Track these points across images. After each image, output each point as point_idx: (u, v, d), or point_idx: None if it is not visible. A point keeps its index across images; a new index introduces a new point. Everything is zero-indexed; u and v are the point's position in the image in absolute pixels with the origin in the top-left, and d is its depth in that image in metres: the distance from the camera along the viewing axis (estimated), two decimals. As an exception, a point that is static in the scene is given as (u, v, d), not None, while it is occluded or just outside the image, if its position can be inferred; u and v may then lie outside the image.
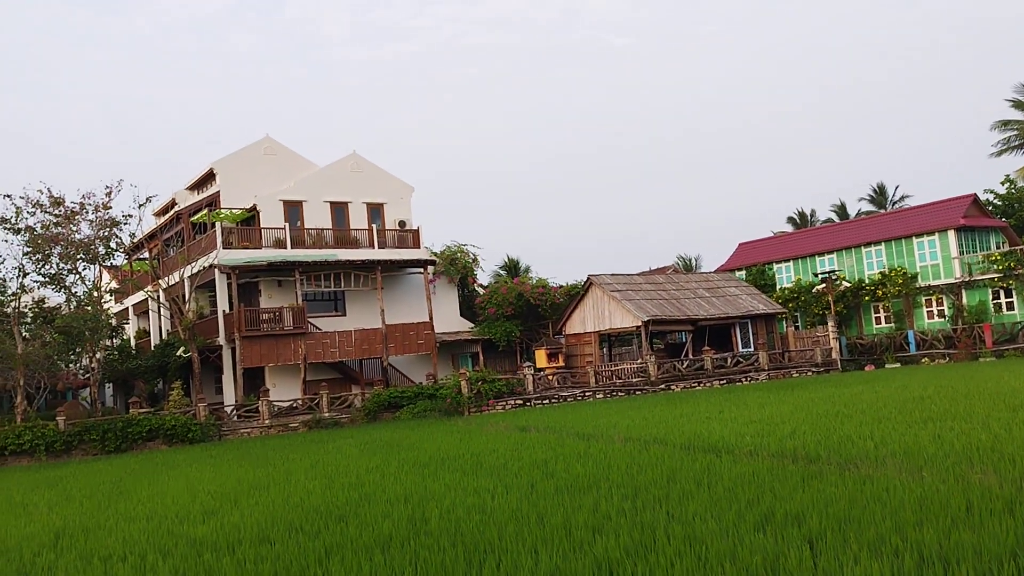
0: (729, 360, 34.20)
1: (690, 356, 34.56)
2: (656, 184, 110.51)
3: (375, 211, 36.81)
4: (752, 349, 35.97)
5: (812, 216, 63.11)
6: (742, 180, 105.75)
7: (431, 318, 34.66)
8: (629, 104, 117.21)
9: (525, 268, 49.28)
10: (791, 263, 43.83)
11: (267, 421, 28.32)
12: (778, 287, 43.52)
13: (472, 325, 38.90)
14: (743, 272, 44.85)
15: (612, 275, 36.95)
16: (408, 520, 8.95)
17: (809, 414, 16.53)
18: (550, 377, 32.45)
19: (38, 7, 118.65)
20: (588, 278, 36.55)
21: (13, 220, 29.38)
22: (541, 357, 36.05)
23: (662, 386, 31.83)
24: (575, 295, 38.02)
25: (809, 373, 34.71)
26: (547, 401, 30.11)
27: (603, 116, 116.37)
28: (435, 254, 38.26)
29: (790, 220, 64.34)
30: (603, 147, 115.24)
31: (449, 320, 37.97)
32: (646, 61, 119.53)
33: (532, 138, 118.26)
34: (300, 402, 29.87)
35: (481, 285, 42.33)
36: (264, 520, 9.78)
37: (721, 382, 32.73)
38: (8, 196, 29.61)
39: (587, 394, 31.00)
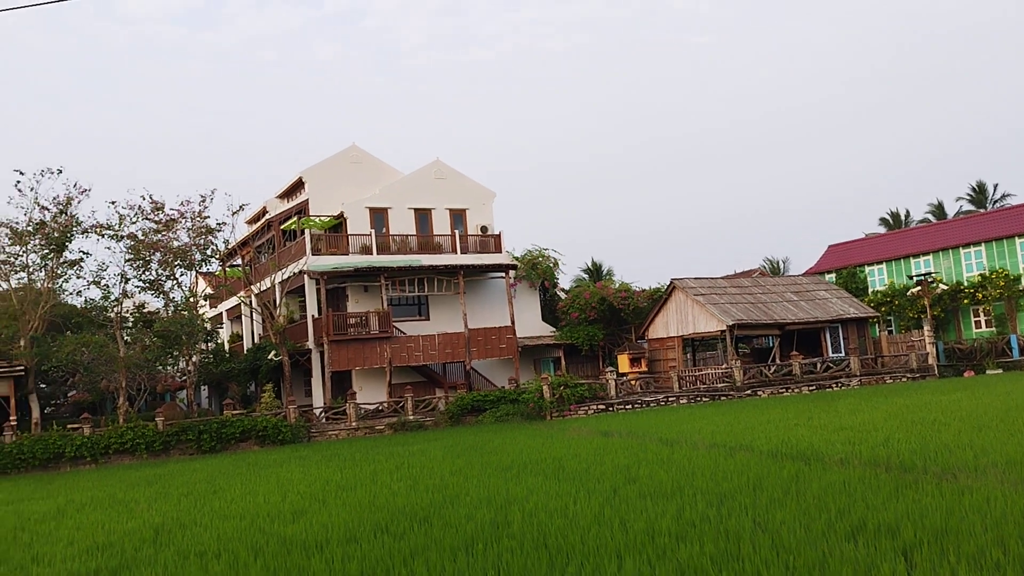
0: (819, 365, 33.24)
1: (777, 361, 33.74)
2: (742, 187, 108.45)
3: (458, 217, 37.24)
4: (843, 354, 34.88)
5: (907, 217, 60.85)
6: (831, 181, 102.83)
7: (513, 322, 34.82)
8: (712, 105, 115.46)
9: (607, 272, 49.05)
10: (884, 265, 42.34)
11: (354, 423, 28.91)
12: (870, 290, 42.10)
13: (554, 329, 38.89)
14: (833, 275, 43.56)
15: (695, 279, 36.40)
16: (491, 523, 9.00)
17: (904, 421, 15.94)
18: (633, 382, 32.14)
19: (137, 24, 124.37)
20: (671, 282, 36.10)
21: (117, 227, 30.83)
22: (624, 362, 35.77)
23: (748, 392, 31.17)
24: (658, 299, 37.61)
25: (904, 379, 33.43)
26: (630, 406, 29.86)
27: (684, 118, 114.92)
28: (516, 259, 38.44)
29: (883, 221, 62.18)
30: (687, 151, 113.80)
31: (531, 324, 38.07)
32: (727, 59, 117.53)
33: (614, 141, 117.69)
34: (386, 405, 30.38)
35: (563, 289, 42.29)
36: (351, 520, 9.99)
37: (810, 388, 31.84)
38: (112, 203, 31.11)
39: (670, 399, 30.60)
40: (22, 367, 27.79)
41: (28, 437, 25.55)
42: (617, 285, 39.93)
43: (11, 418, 26.80)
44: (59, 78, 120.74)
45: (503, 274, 35.99)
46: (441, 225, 36.72)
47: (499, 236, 37.47)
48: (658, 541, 7.44)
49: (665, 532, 7.77)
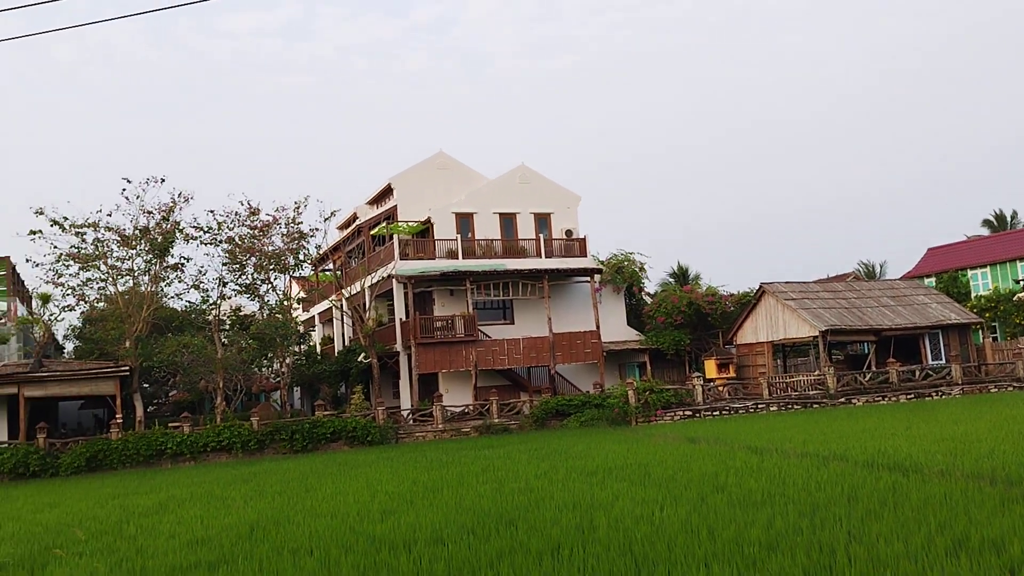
0: (917, 373, 31.93)
1: (873, 368, 32.57)
2: (834, 188, 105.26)
3: (542, 221, 37.31)
4: (944, 361, 33.42)
5: (1012, 218, 57.86)
6: (929, 181, 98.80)
7: (598, 327, 34.65)
8: (803, 109, 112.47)
9: (695, 276, 48.28)
10: (988, 269, 40.44)
11: (440, 425, 29.26)
12: (973, 295, 40.25)
13: (639, 334, 38.54)
14: (932, 279, 41.83)
15: (786, 283, 35.51)
16: (576, 527, 8.98)
17: (1010, 433, 15.17)
18: (720, 388, 31.56)
19: (236, 39, 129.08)
20: (760, 286, 35.30)
21: (216, 232, 32.05)
22: (711, 367, 35.17)
23: (842, 399, 30.18)
24: (747, 303, 36.84)
25: (1010, 388, 31.79)
26: (717, 413, 29.31)
27: (776, 122, 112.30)
28: (602, 263, 38.25)
29: (986, 223, 59.27)
30: (777, 153, 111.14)
31: (616, 329, 37.82)
32: (819, 59, 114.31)
33: (703, 144, 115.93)
34: (471, 407, 30.65)
35: (648, 293, 41.86)
36: (438, 521, 10.12)
37: (908, 397, 30.60)
38: (211, 211, 32.38)
39: (760, 406, 29.91)
40: (127, 367, 29.13)
41: (132, 434, 26.77)
42: (704, 289, 39.30)
43: (117, 416, 28.13)
44: (165, 91, 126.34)
45: (588, 278, 35.85)
46: (526, 229, 36.86)
47: (584, 240, 37.38)
48: (747, 551, 7.28)
49: (755, 542, 7.60)
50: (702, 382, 30.48)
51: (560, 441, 22.40)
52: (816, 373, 32.35)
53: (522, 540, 8.50)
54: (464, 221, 36.09)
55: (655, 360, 38.03)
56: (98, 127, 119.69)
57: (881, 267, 59.35)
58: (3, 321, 34.57)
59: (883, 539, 7.29)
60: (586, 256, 37.02)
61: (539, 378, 35.61)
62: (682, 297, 37.62)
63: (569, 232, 37.51)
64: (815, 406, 29.80)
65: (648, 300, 40.65)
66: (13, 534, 12.16)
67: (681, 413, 28.89)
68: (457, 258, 34.76)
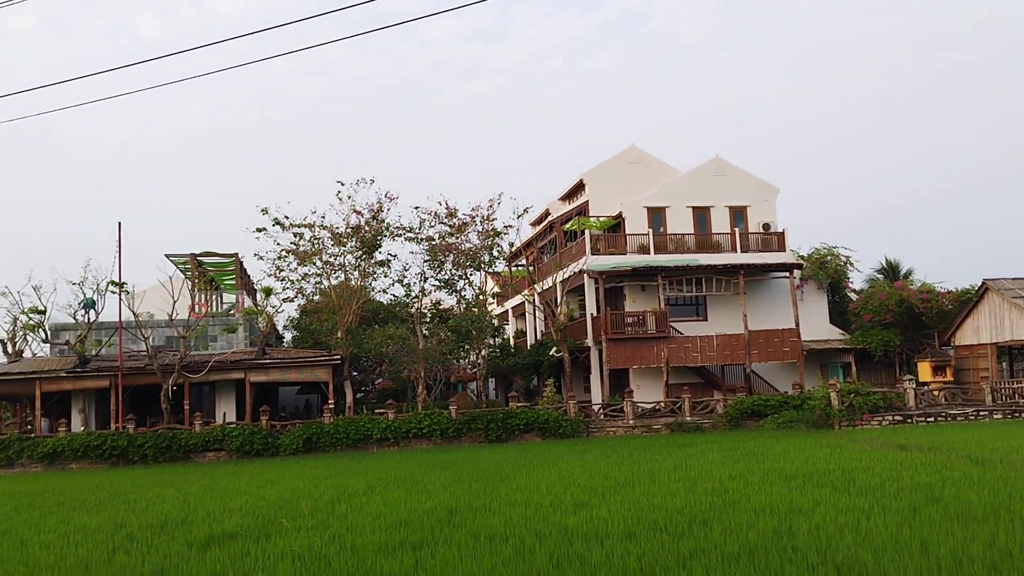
0: None
1: (1120, 375, 28.98)
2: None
3: (738, 214, 36.16)
4: None
5: None
6: None
7: (797, 324, 33.14)
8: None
9: (906, 272, 44.91)
10: None
11: (631, 421, 29.16)
12: None
13: (843, 333, 36.44)
14: None
15: (1014, 279, 32.27)
16: (773, 532, 8.68)
17: None
18: (936, 392, 29.26)
19: (437, 44, 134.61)
20: (984, 283, 32.31)
21: (417, 230, 33.72)
22: (925, 370, 32.65)
23: (1081, 409, 27.10)
24: (967, 302, 33.83)
25: None
26: (931, 419, 27.19)
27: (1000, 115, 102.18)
28: (802, 257, 36.50)
29: None
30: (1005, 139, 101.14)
31: (817, 327, 35.97)
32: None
33: (914, 138, 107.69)
34: (662, 404, 30.30)
35: (854, 290, 39.45)
36: (629, 517, 10.11)
37: None
38: (416, 208, 34.10)
39: (981, 413, 27.44)
40: (339, 356, 31.27)
41: (343, 419, 28.70)
42: (919, 286, 36.51)
43: (329, 401, 30.27)
44: (372, 97, 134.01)
45: (787, 274, 34.36)
46: (720, 223, 35.87)
47: (783, 234, 35.84)
48: (967, 569, 6.74)
49: (976, 560, 7.01)
50: (914, 385, 28.41)
51: (756, 442, 21.67)
52: (1050, 379, 29.21)
53: (716, 541, 8.33)
54: (656, 215, 35.68)
55: (861, 361, 35.81)
56: (313, 135, 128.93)
57: None
58: (232, 313, 38.14)
59: None
60: (785, 251, 35.49)
61: (734, 376, 34.58)
62: (892, 294, 35.15)
63: (767, 225, 36.12)
64: (1048, 415, 26.94)
65: (854, 297, 38.32)
66: (241, 507, 13.40)
67: (890, 418, 27.07)
68: (649, 253, 34.43)
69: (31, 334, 33.63)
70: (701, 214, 35.93)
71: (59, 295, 45.10)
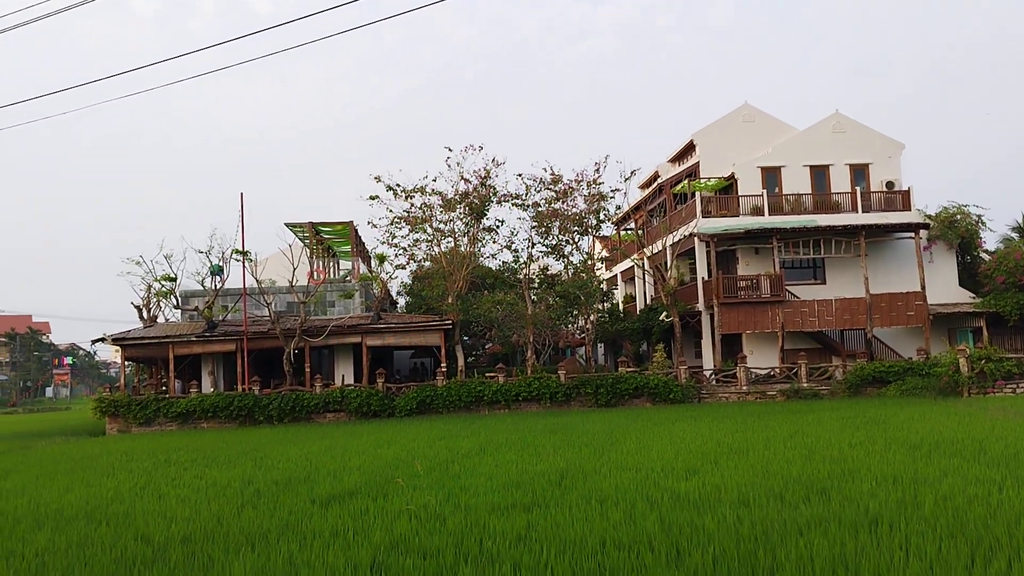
0: None
1: None
2: None
3: (859, 173, 34.54)
4: None
5: None
6: None
7: (923, 287, 31.55)
8: None
9: (1045, 230, 41.96)
10: None
11: (744, 387, 28.60)
12: None
13: (973, 296, 34.46)
14: None
15: None
16: (897, 502, 8.36)
17: None
18: (1078, 359, 27.36)
19: (546, 5, 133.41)
20: None
21: (523, 197, 33.80)
22: (1065, 335, 30.58)
23: None
24: (1115, 261, 31.39)
25: None
26: (1073, 387, 25.50)
27: None
28: (929, 217, 34.61)
29: None
30: None
31: (944, 290, 34.14)
32: None
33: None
34: (777, 370, 29.56)
35: (986, 251, 37.17)
36: (743, 484, 9.94)
37: None
38: (519, 175, 34.18)
39: None
40: (450, 321, 31.86)
41: (455, 383, 29.30)
42: (1060, 244, 34.08)
43: (442, 365, 30.93)
44: (477, 64, 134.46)
45: (912, 234, 32.69)
46: (840, 182, 34.36)
47: (907, 192, 34.05)
48: (1113, 546, 6.31)
49: (1123, 537, 6.56)
50: (1053, 351, 26.66)
51: (877, 410, 20.87)
52: None
53: (835, 510, 8.09)
54: (770, 175, 34.51)
55: (993, 325, 33.81)
56: (421, 102, 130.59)
57: None
58: (348, 279, 39.35)
59: None
60: (910, 210, 33.72)
61: (854, 342, 33.31)
62: (1028, 254, 32.95)
63: (890, 184, 34.37)
64: None
65: (986, 258, 36.13)
66: (360, 466, 13.91)
67: (1025, 385, 25.55)
68: (763, 215, 33.39)
69: (163, 300, 35.69)
70: (819, 173, 34.50)
71: (188, 263, 47.68)
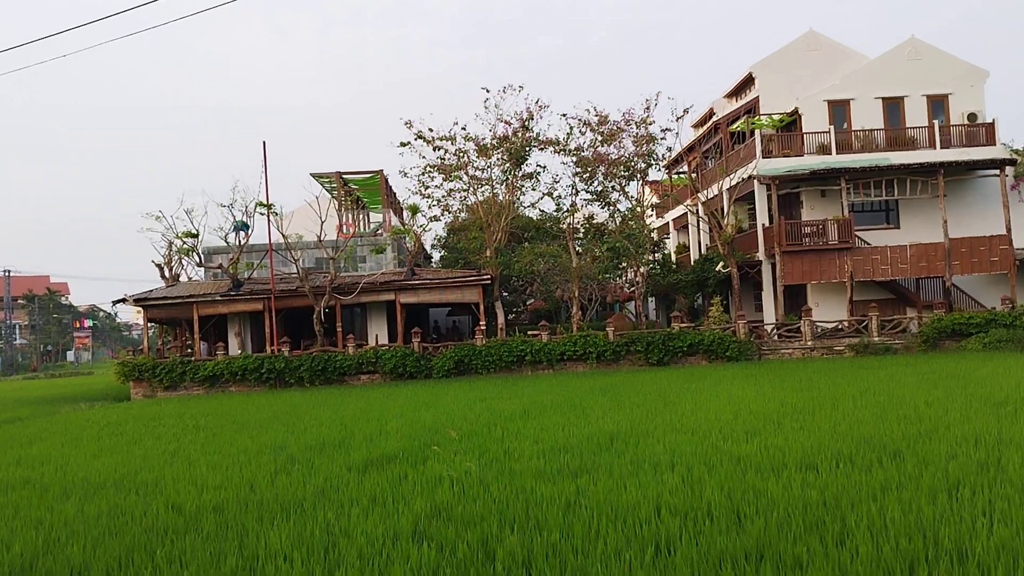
0: None
1: None
2: None
3: (937, 105, 33.59)
4: None
5: None
6: None
7: (1009, 231, 30.80)
8: None
9: None
10: None
11: (809, 342, 28.35)
12: None
13: (1068, 239, 33.61)
14: None
15: None
16: (979, 465, 8.26)
17: None
18: None
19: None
20: None
21: (564, 140, 33.52)
22: None
23: None
24: None
25: None
26: None
27: None
28: (1015, 152, 33.63)
29: None
30: None
31: (1034, 233, 33.34)
32: None
33: None
34: (846, 323, 29.23)
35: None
36: (809, 446, 9.90)
37: None
38: (564, 115, 33.86)
39: None
40: (489, 276, 31.94)
41: (495, 341, 29.49)
42: None
43: (481, 323, 31.11)
44: (508, 9, 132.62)
45: (997, 171, 31.83)
46: (916, 116, 33.47)
47: (992, 125, 33.07)
48: None
49: None
50: None
51: (957, 365, 20.57)
52: None
53: (911, 474, 8.03)
54: (838, 110, 33.72)
55: (1087, 271, 33.01)
56: (444, 52, 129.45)
57: None
58: (380, 232, 39.57)
59: None
60: (995, 144, 32.78)
61: (931, 291, 32.75)
62: None
63: (972, 116, 33.39)
64: None
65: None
66: (397, 430, 14.12)
67: (1123, 337, 24.98)
68: (829, 153, 32.72)
69: (186, 258, 36.25)
70: (893, 105, 33.62)
71: (210, 218, 48.35)
